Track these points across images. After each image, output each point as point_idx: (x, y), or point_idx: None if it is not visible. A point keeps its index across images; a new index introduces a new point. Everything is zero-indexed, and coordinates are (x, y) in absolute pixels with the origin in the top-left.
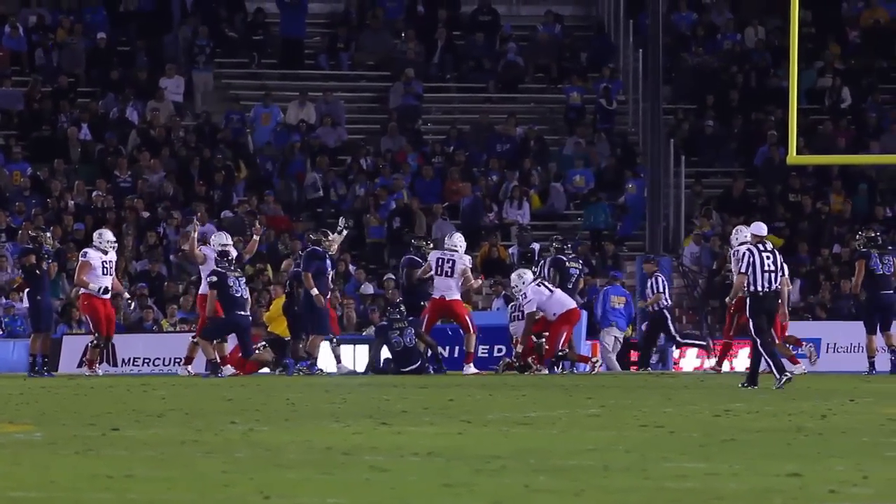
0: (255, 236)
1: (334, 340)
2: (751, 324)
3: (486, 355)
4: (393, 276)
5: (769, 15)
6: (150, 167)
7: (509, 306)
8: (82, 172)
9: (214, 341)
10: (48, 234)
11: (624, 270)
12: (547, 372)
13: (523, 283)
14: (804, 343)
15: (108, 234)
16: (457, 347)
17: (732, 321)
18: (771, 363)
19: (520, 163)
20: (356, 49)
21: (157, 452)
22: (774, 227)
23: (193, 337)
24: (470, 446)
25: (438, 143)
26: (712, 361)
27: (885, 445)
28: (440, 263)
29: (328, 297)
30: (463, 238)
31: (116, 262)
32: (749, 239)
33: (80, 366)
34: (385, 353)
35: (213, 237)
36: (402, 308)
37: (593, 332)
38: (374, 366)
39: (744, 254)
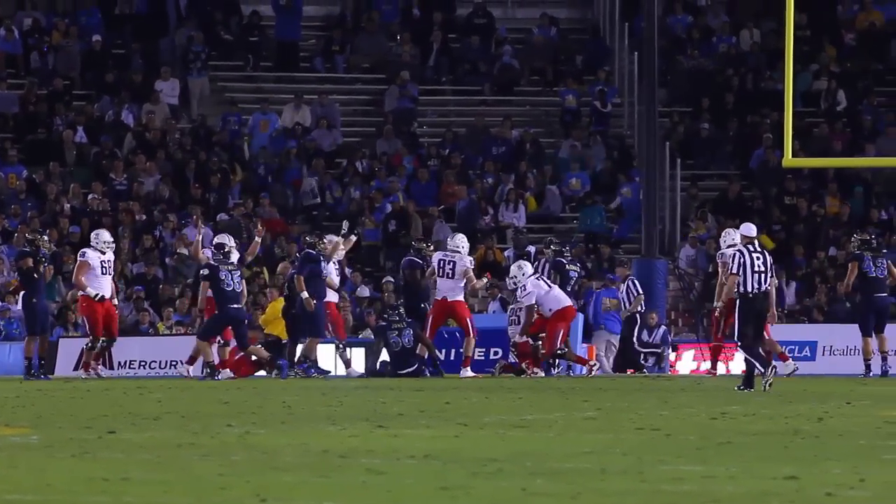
0: (256, 238)
1: (341, 346)
2: (737, 325)
3: (483, 358)
4: (392, 279)
5: (764, 18)
6: (146, 170)
7: (508, 310)
8: (78, 175)
9: (214, 344)
10: (45, 238)
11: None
12: (543, 374)
13: (523, 274)
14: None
15: (105, 235)
16: (453, 350)
17: (719, 324)
18: (756, 362)
19: (515, 165)
20: (351, 52)
21: (154, 455)
22: (770, 229)
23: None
24: (466, 449)
25: (434, 146)
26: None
27: (881, 448)
28: (441, 265)
29: (325, 299)
30: (465, 239)
31: (114, 262)
32: (738, 241)
33: (76, 368)
34: (382, 355)
35: (216, 238)
36: (402, 309)
37: (590, 336)
38: (375, 369)
39: (734, 255)
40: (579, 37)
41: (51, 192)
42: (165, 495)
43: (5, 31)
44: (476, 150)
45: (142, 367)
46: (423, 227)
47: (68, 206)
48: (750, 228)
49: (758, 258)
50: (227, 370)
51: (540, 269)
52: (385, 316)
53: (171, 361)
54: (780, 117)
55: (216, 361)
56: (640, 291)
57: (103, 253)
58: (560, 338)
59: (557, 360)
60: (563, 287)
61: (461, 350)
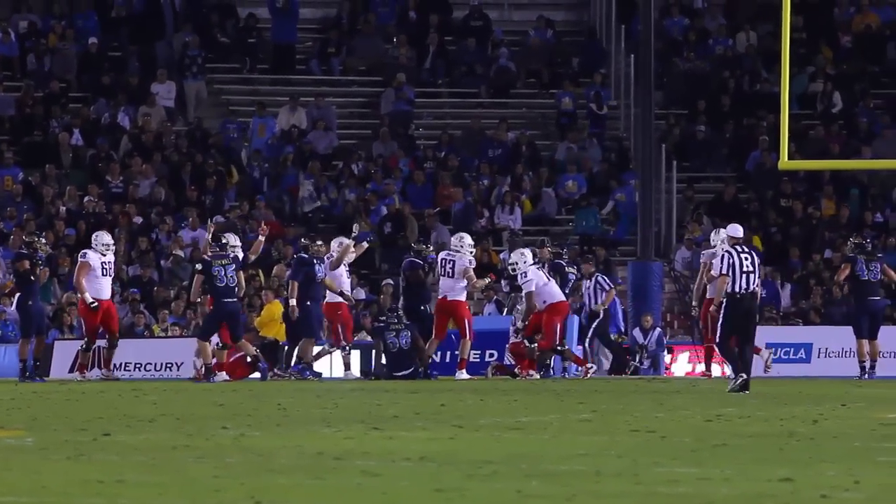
0: (260, 237)
1: (346, 348)
2: (720, 324)
3: (478, 360)
4: (391, 282)
5: (761, 20)
6: (142, 173)
7: (511, 329)
8: (74, 178)
9: (213, 346)
10: (43, 240)
11: (617, 276)
12: (538, 377)
13: (525, 262)
14: (761, 349)
15: (105, 237)
16: (448, 352)
17: (708, 325)
18: (729, 364)
19: (511, 168)
20: (348, 54)
21: (149, 457)
22: (766, 232)
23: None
24: (462, 451)
25: (430, 149)
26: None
27: (876, 450)
28: (443, 264)
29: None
30: (468, 238)
31: (114, 263)
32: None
33: (71, 371)
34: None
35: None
36: (400, 311)
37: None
38: (371, 370)
39: (723, 256)
40: (575, 39)
41: (47, 194)
42: (160, 497)
43: (1, 34)
44: (472, 153)
45: (137, 370)
46: (419, 229)
47: (64, 208)
48: (736, 229)
49: (746, 258)
50: (223, 373)
51: None
52: (382, 318)
53: (167, 364)
54: (776, 120)
55: (212, 364)
56: (611, 286)
57: (104, 255)
58: (558, 332)
59: (552, 360)
60: (561, 288)
61: (457, 352)
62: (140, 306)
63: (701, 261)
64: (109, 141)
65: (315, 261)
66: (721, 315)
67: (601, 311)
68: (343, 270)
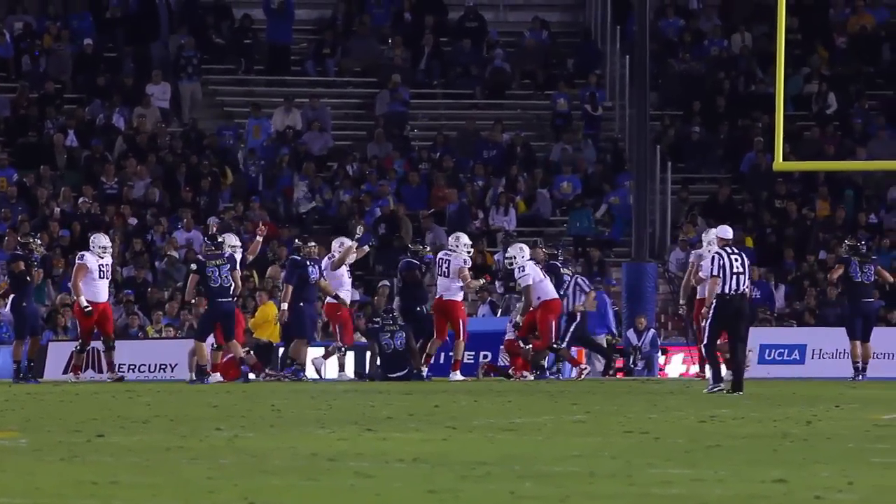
0: (258, 237)
1: (343, 349)
2: (708, 325)
3: (472, 361)
4: (387, 283)
5: (756, 21)
6: (137, 174)
7: (509, 325)
8: (68, 179)
9: (210, 347)
10: (38, 241)
11: (611, 277)
12: (532, 378)
13: (522, 256)
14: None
15: (101, 240)
16: (443, 354)
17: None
18: (711, 369)
19: (506, 169)
20: (343, 55)
21: (142, 459)
22: (761, 233)
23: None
24: (455, 452)
25: (425, 150)
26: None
27: (870, 451)
28: (439, 264)
29: (315, 302)
30: (464, 237)
31: (112, 266)
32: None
33: (65, 372)
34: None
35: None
36: (395, 313)
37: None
38: (366, 371)
39: (713, 257)
40: (571, 40)
41: (41, 195)
42: (154, 499)
43: None
44: (467, 154)
45: (131, 371)
46: (413, 230)
47: (58, 209)
48: (726, 230)
49: (736, 259)
50: (217, 374)
51: None
52: (376, 319)
53: (161, 365)
54: (770, 121)
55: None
56: (591, 287)
57: (101, 257)
58: (553, 330)
59: (545, 359)
60: (556, 289)
61: (450, 353)
62: (134, 307)
63: (690, 260)
64: (104, 142)
65: (308, 262)
66: (710, 316)
67: (578, 314)
68: (344, 271)
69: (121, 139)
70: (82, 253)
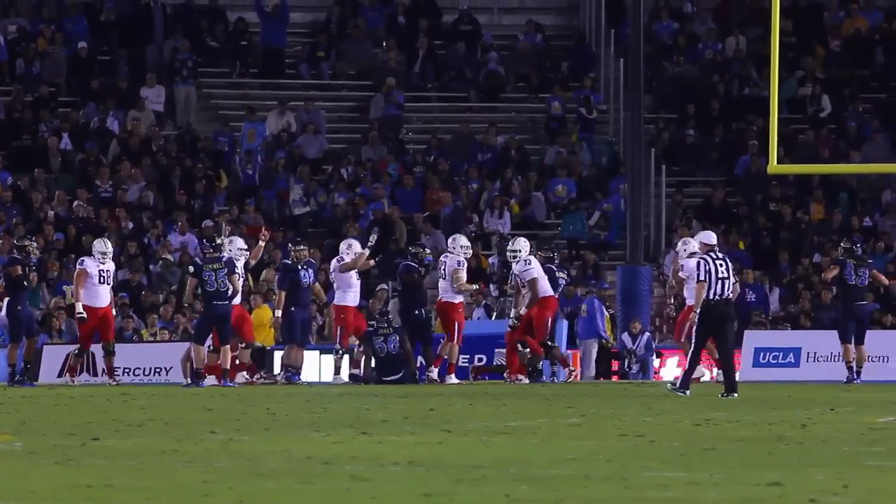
0: (260, 242)
1: (339, 352)
2: (694, 330)
3: (467, 364)
4: (385, 286)
5: (750, 24)
6: (131, 177)
7: (508, 319)
8: (63, 182)
9: (207, 349)
10: (34, 245)
11: (605, 280)
12: (527, 381)
13: (526, 251)
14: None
15: (100, 245)
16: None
17: (683, 329)
18: (685, 372)
19: (501, 172)
20: (337, 58)
21: (137, 462)
22: (756, 236)
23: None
24: (450, 456)
25: (419, 153)
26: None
27: (865, 454)
28: (440, 266)
29: (309, 306)
30: (461, 239)
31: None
32: (696, 249)
33: (60, 375)
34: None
35: (229, 241)
36: (390, 316)
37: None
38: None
39: (699, 262)
40: (565, 43)
41: (36, 199)
42: (149, 502)
43: None
44: (461, 157)
45: (126, 374)
46: (408, 233)
47: (53, 213)
48: (710, 236)
49: (721, 265)
50: (212, 377)
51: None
52: (371, 322)
53: (156, 368)
54: (765, 124)
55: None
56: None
57: (102, 262)
58: (549, 327)
59: (541, 363)
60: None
61: (445, 356)
62: (129, 310)
63: (675, 265)
64: (98, 145)
65: (300, 266)
66: (696, 321)
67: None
68: (353, 273)
69: (115, 142)
70: (83, 258)
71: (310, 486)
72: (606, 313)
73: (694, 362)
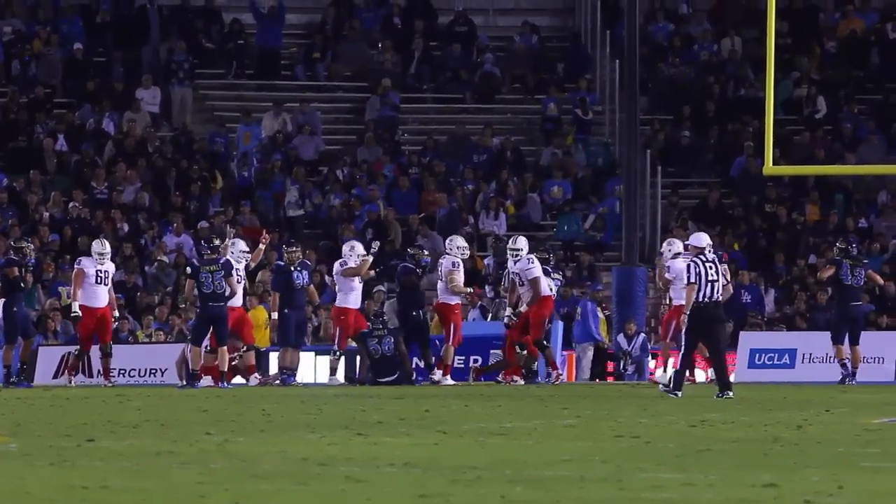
0: (260, 245)
1: (337, 354)
2: (684, 333)
3: (462, 366)
4: (383, 288)
5: (746, 25)
6: (127, 178)
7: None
8: (58, 183)
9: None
10: (31, 246)
11: (600, 281)
12: (522, 382)
13: (525, 249)
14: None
15: (98, 246)
16: (433, 358)
17: (669, 330)
18: (674, 376)
19: (496, 173)
20: (333, 60)
21: (133, 463)
22: (752, 237)
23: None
24: (446, 457)
25: (415, 154)
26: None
27: (860, 456)
28: (438, 267)
29: (304, 307)
30: (458, 240)
31: (113, 273)
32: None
33: (55, 376)
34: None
35: (231, 243)
36: (385, 317)
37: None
38: (353, 376)
39: (689, 265)
40: (560, 45)
41: (31, 200)
42: (144, 503)
43: None
44: (457, 158)
45: (121, 376)
46: (403, 235)
47: (48, 214)
48: (700, 238)
49: (710, 267)
50: (208, 377)
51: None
52: (369, 323)
53: (151, 369)
54: (760, 125)
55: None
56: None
57: (101, 263)
58: (545, 326)
59: (536, 364)
60: None
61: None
62: (125, 312)
63: (660, 268)
64: (94, 146)
65: (292, 268)
66: (686, 324)
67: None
68: (357, 282)
69: (111, 144)
70: (80, 258)
71: (305, 488)
72: (600, 315)
73: (685, 364)
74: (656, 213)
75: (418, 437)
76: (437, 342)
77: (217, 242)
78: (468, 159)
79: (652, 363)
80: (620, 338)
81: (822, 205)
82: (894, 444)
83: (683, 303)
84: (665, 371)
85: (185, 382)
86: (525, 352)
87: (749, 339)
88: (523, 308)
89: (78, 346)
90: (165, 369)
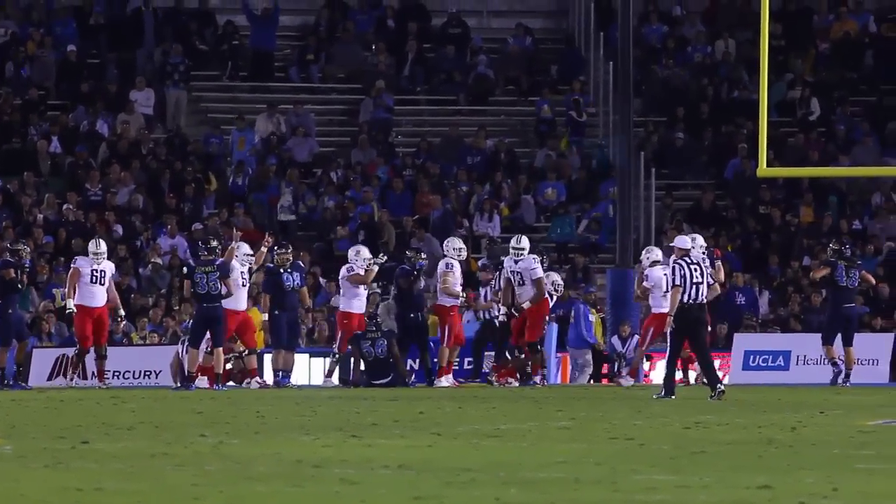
0: (262, 247)
1: (336, 356)
2: (669, 336)
3: (457, 368)
4: (379, 291)
5: (740, 27)
6: (121, 180)
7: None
8: (52, 185)
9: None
10: (27, 248)
11: (595, 283)
12: (517, 384)
13: (528, 248)
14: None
15: (94, 246)
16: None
17: (648, 334)
18: (665, 377)
19: (490, 175)
20: (326, 62)
21: (127, 465)
22: (746, 239)
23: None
24: (440, 459)
25: (409, 156)
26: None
27: (855, 457)
28: (437, 269)
29: (296, 309)
30: (455, 241)
31: (112, 273)
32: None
33: (49, 378)
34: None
35: (237, 246)
36: (379, 319)
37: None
38: (348, 378)
39: (674, 267)
40: (554, 46)
41: (25, 202)
42: None
43: None
44: (451, 160)
45: (115, 377)
46: (396, 237)
47: (42, 216)
48: (684, 241)
49: (695, 269)
50: (204, 378)
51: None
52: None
53: (145, 371)
54: (754, 127)
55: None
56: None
57: (98, 263)
58: (543, 327)
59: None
60: None
61: (435, 360)
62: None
63: (638, 275)
64: (88, 148)
65: (282, 270)
66: (671, 326)
67: (494, 320)
68: (363, 290)
69: (104, 146)
70: (77, 258)
71: (299, 490)
72: (592, 318)
73: (672, 366)
74: (650, 215)
75: (413, 439)
76: (433, 344)
77: (214, 244)
78: (462, 161)
79: (646, 365)
80: (615, 340)
81: (816, 207)
82: (889, 446)
83: (662, 311)
84: (632, 379)
85: (179, 384)
86: (523, 355)
87: (743, 341)
88: (526, 305)
89: (76, 348)
90: (160, 371)
